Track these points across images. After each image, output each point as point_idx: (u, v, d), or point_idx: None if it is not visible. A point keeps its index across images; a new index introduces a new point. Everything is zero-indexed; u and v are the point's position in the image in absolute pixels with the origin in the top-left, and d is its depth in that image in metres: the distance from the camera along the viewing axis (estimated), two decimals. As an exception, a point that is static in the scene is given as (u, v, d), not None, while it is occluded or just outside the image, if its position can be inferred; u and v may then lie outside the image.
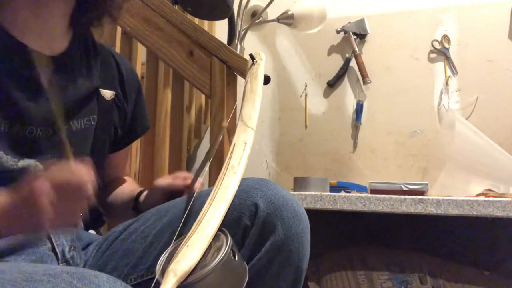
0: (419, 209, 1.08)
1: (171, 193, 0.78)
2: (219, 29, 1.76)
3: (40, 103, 0.67)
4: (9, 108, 0.64)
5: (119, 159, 0.92)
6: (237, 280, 0.52)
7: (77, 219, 0.55)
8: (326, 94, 1.81)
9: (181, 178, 0.80)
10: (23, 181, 0.54)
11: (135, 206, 0.85)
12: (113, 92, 0.81)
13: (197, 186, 0.77)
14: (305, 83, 1.83)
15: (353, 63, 1.77)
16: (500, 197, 1.14)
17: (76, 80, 0.73)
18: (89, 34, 0.80)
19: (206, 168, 0.89)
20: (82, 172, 0.53)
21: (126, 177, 0.97)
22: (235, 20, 1.51)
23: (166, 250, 0.55)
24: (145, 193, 0.86)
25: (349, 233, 1.58)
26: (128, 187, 0.93)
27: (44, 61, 0.69)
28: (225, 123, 1.07)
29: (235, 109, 1.12)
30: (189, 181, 0.78)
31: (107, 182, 0.91)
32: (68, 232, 0.61)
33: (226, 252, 0.50)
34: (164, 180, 0.81)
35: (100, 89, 0.78)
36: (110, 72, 0.82)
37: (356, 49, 1.74)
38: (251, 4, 1.56)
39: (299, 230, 0.63)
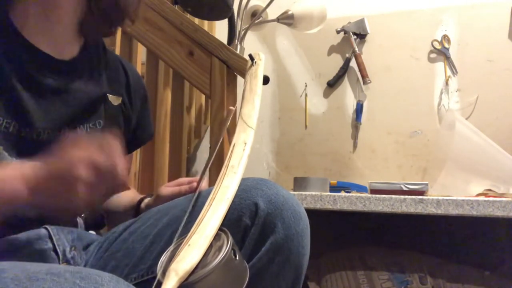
0: (419, 209, 1.08)
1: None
2: (219, 29, 1.76)
3: (48, 106, 0.67)
4: (17, 110, 0.64)
5: None
6: (238, 280, 0.52)
7: (107, 198, 0.55)
8: (326, 94, 1.81)
9: (185, 183, 0.80)
10: (60, 152, 0.53)
11: (136, 213, 0.85)
12: (120, 98, 0.81)
13: (204, 187, 0.77)
14: (305, 83, 1.83)
15: (353, 63, 1.77)
16: (500, 197, 1.14)
17: (85, 85, 0.74)
18: (100, 41, 0.80)
19: (208, 169, 0.89)
20: (116, 153, 0.53)
21: (128, 186, 0.97)
22: (235, 20, 1.51)
23: (167, 250, 0.55)
24: (147, 200, 0.86)
25: (349, 233, 1.58)
26: (130, 194, 0.93)
27: (55, 64, 0.69)
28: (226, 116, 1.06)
29: (235, 109, 1.12)
30: (194, 185, 0.78)
31: None
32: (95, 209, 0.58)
33: (227, 252, 0.50)
34: (169, 188, 0.81)
35: (107, 95, 0.78)
36: (118, 79, 0.83)
37: (356, 49, 1.74)
38: (251, 4, 1.56)
39: (299, 229, 0.64)
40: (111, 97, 0.79)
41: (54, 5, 0.67)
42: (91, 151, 0.53)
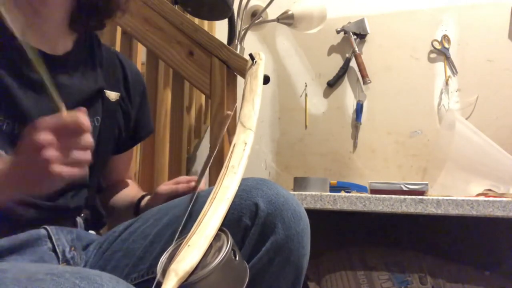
0: (419, 209, 1.08)
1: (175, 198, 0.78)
2: (219, 29, 1.76)
3: (42, 103, 0.67)
4: (11, 107, 0.64)
5: (122, 161, 0.92)
6: (238, 280, 0.52)
7: (85, 165, 0.52)
8: (326, 94, 1.81)
9: (184, 182, 0.80)
10: (22, 140, 0.51)
11: (136, 211, 0.85)
12: (118, 93, 0.81)
13: (202, 187, 0.77)
14: (305, 83, 1.83)
15: (353, 63, 1.77)
16: (500, 197, 1.14)
17: (80, 80, 0.73)
18: (94, 36, 0.79)
19: (208, 168, 0.89)
20: (78, 116, 0.50)
21: (128, 181, 0.97)
22: (235, 20, 1.51)
23: (167, 250, 0.55)
24: (147, 198, 0.86)
25: (349, 233, 1.58)
26: (131, 191, 0.93)
27: (47, 60, 0.68)
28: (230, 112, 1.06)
29: (235, 109, 1.12)
30: (192, 184, 0.78)
31: (109, 184, 0.92)
32: (80, 180, 0.54)
33: (227, 252, 0.50)
34: (167, 186, 0.81)
35: (105, 90, 0.78)
36: (115, 74, 0.82)
37: (356, 49, 1.74)
38: (251, 4, 1.56)
39: (299, 229, 0.64)
40: (108, 92, 0.78)
41: (42, 1, 0.67)
42: (50, 122, 0.50)
